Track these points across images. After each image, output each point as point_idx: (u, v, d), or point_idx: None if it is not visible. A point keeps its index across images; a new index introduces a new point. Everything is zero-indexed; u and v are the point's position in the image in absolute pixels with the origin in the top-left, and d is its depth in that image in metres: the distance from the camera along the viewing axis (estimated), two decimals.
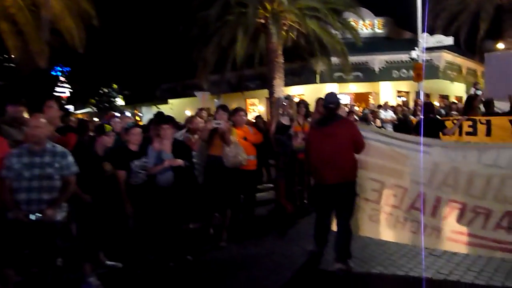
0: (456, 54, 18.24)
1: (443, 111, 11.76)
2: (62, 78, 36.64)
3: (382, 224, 4.26)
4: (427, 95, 16.31)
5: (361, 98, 19.13)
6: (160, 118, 4.83)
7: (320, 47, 14.95)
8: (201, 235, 5.41)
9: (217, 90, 17.09)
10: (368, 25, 19.77)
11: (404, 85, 19.00)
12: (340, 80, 16.85)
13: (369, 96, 19.50)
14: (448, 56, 17.60)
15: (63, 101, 36.07)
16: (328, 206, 4.25)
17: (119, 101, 31.54)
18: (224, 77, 15.48)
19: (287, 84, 19.23)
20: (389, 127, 11.27)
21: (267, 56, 14.50)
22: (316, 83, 17.98)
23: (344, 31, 14.82)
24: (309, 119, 6.87)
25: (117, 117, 5.08)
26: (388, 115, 11.50)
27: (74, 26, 10.30)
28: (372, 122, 9.56)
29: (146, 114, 26.37)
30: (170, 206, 4.25)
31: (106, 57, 30.63)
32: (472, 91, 11.06)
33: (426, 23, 13.63)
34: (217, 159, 4.94)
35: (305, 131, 6.66)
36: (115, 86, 30.86)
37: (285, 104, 6.62)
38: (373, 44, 17.76)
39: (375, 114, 9.81)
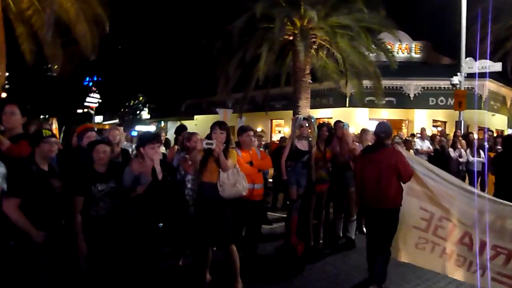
0: (501, 83, 16.78)
1: (486, 144, 10.43)
2: (93, 89, 37.23)
3: (427, 253, 4.38)
4: (466, 126, 14.89)
5: (394, 125, 17.78)
6: (148, 135, 3.93)
7: (351, 68, 13.94)
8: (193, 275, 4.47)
9: (241, 108, 16.37)
10: (404, 48, 18.66)
11: (440, 114, 17.65)
12: (372, 105, 15.72)
13: (403, 124, 18.24)
14: (492, 85, 16.20)
15: (91, 111, 36.58)
16: (373, 228, 4.43)
17: (145, 115, 31.51)
18: (247, 95, 14.67)
19: (315, 106, 18.32)
20: (424, 159, 10.04)
21: (294, 75, 13.64)
22: (345, 106, 16.93)
23: (378, 52, 13.77)
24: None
25: (90, 130, 4.19)
26: (425, 145, 10.30)
27: (87, 31, 9.85)
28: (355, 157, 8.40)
29: (171, 128, 26.01)
30: (140, 244, 3.36)
31: (135, 70, 30.83)
32: None
33: (468, 48, 12.41)
34: (211, 188, 4.01)
35: (328, 159, 5.69)
36: (141, 98, 30.90)
37: (304, 125, 5.68)
38: (409, 69, 16.62)
39: (408, 144, 8.66)
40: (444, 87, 15.52)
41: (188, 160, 4.65)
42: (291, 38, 12.85)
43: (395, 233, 4.30)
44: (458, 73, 11.82)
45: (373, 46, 13.47)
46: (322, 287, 4.48)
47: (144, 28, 25.56)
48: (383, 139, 4.44)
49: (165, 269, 4.77)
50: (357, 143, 6.02)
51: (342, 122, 5.94)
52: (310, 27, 12.66)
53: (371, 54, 14.46)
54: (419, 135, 10.59)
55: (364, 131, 6.90)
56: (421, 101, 16.25)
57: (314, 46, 13.62)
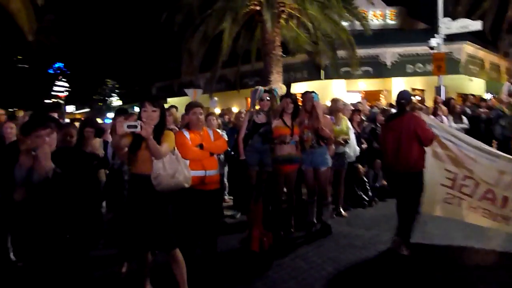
0: (478, 46, 16.23)
1: (468, 110, 9.87)
2: (60, 77, 35.44)
3: (455, 206, 4.72)
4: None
5: (371, 96, 17.22)
6: (34, 119, 3.06)
7: (324, 38, 13.12)
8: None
9: (211, 88, 15.44)
10: (379, 15, 17.87)
11: (418, 82, 17.08)
12: (348, 76, 15.00)
13: (380, 94, 17.62)
14: (470, 49, 15.62)
15: (60, 101, 34.89)
16: (400, 191, 4.59)
17: (115, 101, 30.09)
18: (215, 72, 13.73)
19: (289, 80, 17.54)
20: None
21: (263, 48, 12.75)
22: (320, 79, 16.16)
23: (351, 20, 12.96)
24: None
25: None
26: None
27: (21, 7, 8.65)
28: (380, 125, 7.72)
29: None
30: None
31: (101, 54, 29.22)
32: (506, 87, 9.14)
33: (445, 10, 11.68)
34: (143, 181, 3.21)
35: (295, 135, 4.95)
36: (109, 82, 29.38)
37: (264, 98, 4.89)
38: (385, 36, 15.90)
39: (385, 114, 7.97)
40: (422, 53, 14.85)
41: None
42: (258, 8, 11.90)
43: (420, 194, 4.51)
44: (436, 35, 11.11)
45: (346, 13, 12.66)
46: None
47: (105, 9, 24.03)
48: (403, 105, 4.58)
49: (102, 277, 4.00)
50: (328, 116, 5.27)
51: (311, 93, 5.16)
52: None
53: (344, 23, 13.75)
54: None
55: (334, 101, 6.16)
56: (398, 69, 15.60)
57: (283, 16, 12.73)
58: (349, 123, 6.57)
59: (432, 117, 8.10)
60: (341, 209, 6.26)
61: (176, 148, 3.46)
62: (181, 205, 4.16)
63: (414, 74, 15.68)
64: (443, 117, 9.27)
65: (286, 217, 5.21)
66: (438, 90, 10.92)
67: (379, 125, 7.68)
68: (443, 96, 10.78)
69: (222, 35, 11.85)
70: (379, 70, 15.75)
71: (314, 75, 16.44)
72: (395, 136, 4.43)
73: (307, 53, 14.50)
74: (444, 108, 9.60)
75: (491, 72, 18.21)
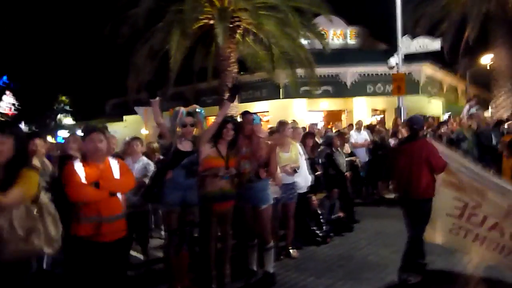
0: (437, 67, 16.21)
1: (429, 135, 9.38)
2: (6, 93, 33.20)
3: (461, 238, 4.58)
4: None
5: (333, 116, 16.80)
6: None
7: (283, 56, 12.52)
8: None
9: (161, 106, 14.38)
10: (339, 34, 17.62)
11: (380, 103, 16.83)
12: (308, 95, 14.45)
13: (342, 114, 17.24)
14: (429, 70, 15.54)
15: (7, 119, 32.48)
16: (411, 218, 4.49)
17: (67, 119, 28.17)
18: (166, 90, 12.79)
19: (248, 99, 16.81)
20: (362, 153, 8.81)
21: (218, 65, 11.98)
22: (279, 98, 15.55)
23: (310, 37, 12.45)
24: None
25: None
26: (361, 137, 9.05)
27: None
28: (338, 149, 7.02)
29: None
30: None
31: (52, 69, 27.52)
32: (466, 109, 8.74)
33: (405, 31, 11.41)
34: None
35: (231, 166, 4.08)
36: (63, 98, 27.54)
37: (187, 124, 4.01)
38: (345, 56, 15.56)
39: (341, 137, 7.30)
40: (382, 73, 14.60)
41: None
42: (212, 22, 11.15)
43: (427, 221, 4.44)
44: (395, 54, 10.73)
45: (304, 30, 12.13)
46: None
47: (55, 22, 22.67)
48: (416, 131, 4.53)
49: None
50: (269, 142, 4.44)
51: (251, 115, 4.31)
52: (231, 8, 11.01)
53: (304, 41, 13.29)
54: (357, 127, 9.32)
55: (281, 124, 5.37)
56: (358, 89, 15.26)
57: (239, 31, 12.05)
58: (300, 149, 5.78)
59: (346, 145, 7.53)
60: (291, 249, 5.39)
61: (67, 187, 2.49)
62: (73, 261, 3.18)
63: (375, 94, 15.38)
64: None
65: (219, 266, 4.26)
66: (398, 111, 10.45)
67: (335, 150, 6.97)
68: (404, 118, 10.31)
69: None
70: (339, 89, 15.35)
71: (273, 94, 15.83)
72: (406, 161, 4.40)
73: (265, 71, 13.84)
74: (403, 130, 9.08)
75: (449, 93, 18.30)
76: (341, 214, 6.63)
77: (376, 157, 8.91)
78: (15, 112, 31.20)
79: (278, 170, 4.94)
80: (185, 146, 3.94)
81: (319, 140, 7.64)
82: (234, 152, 4.20)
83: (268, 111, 17.21)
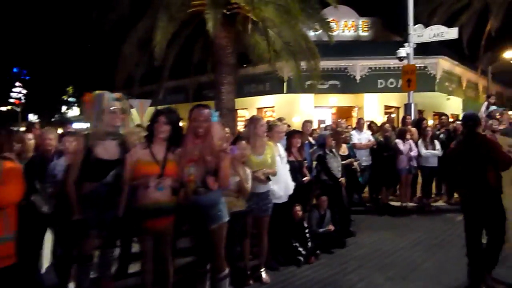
0: (455, 62, 14.94)
1: (442, 136, 8.33)
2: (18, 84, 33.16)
3: None
4: (420, 112, 12.91)
5: (344, 113, 15.76)
6: None
7: (285, 47, 11.56)
8: None
9: (156, 99, 13.75)
10: (350, 26, 16.52)
11: (393, 99, 15.67)
12: (312, 90, 13.44)
13: (352, 111, 16.17)
14: (446, 64, 14.29)
15: (16, 108, 32.40)
16: (474, 221, 4.21)
17: (73, 111, 27.77)
18: (162, 83, 12.06)
19: (250, 93, 15.94)
20: (364, 156, 7.82)
21: (213, 55, 11.08)
22: (283, 92, 14.61)
23: (312, 27, 11.44)
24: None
25: None
26: (365, 137, 8.05)
27: None
28: (332, 151, 6.06)
29: None
30: None
31: (63, 62, 27.14)
32: (484, 106, 7.65)
33: (418, 20, 10.29)
34: None
35: (168, 174, 3.22)
36: (70, 90, 27.12)
37: (114, 111, 3.17)
38: (355, 48, 14.48)
39: (338, 136, 6.34)
40: (395, 67, 13.46)
41: None
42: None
43: (504, 219, 4.07)
44: (406, 44, 9.63)
45: (305, 17, 11.12)
46: None
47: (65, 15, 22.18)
48: (472, 128, 4.27)
49: None
50: (230, 146, 3.54)
51: (205, 108, 3.38)
52: None
53: (312, 32, 12.33)
54: (358, 126, 8.33)
55: (252, 121, 4.48)
56: (368, 84, 14.14)
57: (238, 19, 11.12)
58: (280, 150, 4.88)
59: (344, 146, 6.50)
60: (262, 272, 4.50)
61: None
62: None
63: (387, 90, 14.22)
64: (411, 142, 7.72)
65: None
66: (407, 108, 9.37)
67: (328, 151, 6.02)
68: (414, 116, 9.26)
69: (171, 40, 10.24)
70: (347, 84, 14.27)
71: (277, 88, 14.89)
72: (467, 161, 4.14)
73: (268, 63, 12.90)
74: (413, 129, 8.07)
75: (469, 90, 16.98)
76: (331, 228, 5.69)
77: (381, 159, 7.90)
78: (21, 100, 31.03)
79: (249, 177, 4.06)
80: (109, 151, 3.08)
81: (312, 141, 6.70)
82: (176, 155, 3.32)
83: (274, 106, 16.33)
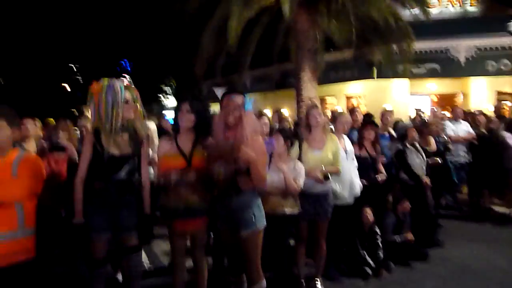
0: None
1: None
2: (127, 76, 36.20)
3: None
4: None
5: (446, 101, 13.95)
6: None
7: (373, 28, 10.46)
8: None
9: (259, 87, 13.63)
10: (456, 1, 14.44)
11: (508, 84, 13.36)
12: (405, 74, 12.06)
13: (455, 98, 14.21)
14: None
15: None
16: None
17: (169, 101, 29.35)
18: (242, 72, 11.86)
19: (337, 79, 14.99)
20: (461, 151, 6.62)
21: (293, 40, 10.51)
22: (372, 78, 13.41)
23: (406, 2, 10.16)
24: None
25: None
26: (461, 129, 6.81)
27: None
28: (414, 146, 5.14)
29: None
30: None
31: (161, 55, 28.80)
32: None
33: None
34: None
35: (194, 168, 2.87)
36: (173, 82, 28.71)
37: (128, 97, 2.90)
38: (459, 25, 12.60)
39: (427, 130, 5.35)
40: (510, 46, 11.41)
41: None
42: None
43: None
44: None
45: None
46: None
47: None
48: None
49: None
50: (266, 138, 3.03)
51: (239, 94, 2.91)
52: None
53: (406, 11, 11.03)
54: (454, 115, 7.08)
55: (308, 108, 3.90)
56: (475, 66, 12.21)
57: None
58: (346, 144, 4.23)
59: (432, 141, 5.33)
60: (317, 282, 3.93)
61: None
62: None
63: (498, 73, 12.13)
64: None
65: None
66: None
67: (408, 146, 5.13)
68: None
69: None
70: (449, 67, 12.51)
71: (366, 74, 13.72)
72: None
73: (353, 47, 11.88)
74: None
75: None
76: (410, 236, 4.83)
77: (482, 155, 6.61)
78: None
79: (300, 174, 3.52)
80: (120, 145, 2.80)
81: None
82: (207, 146, 2.92)
83: (363, 94, 15.18)
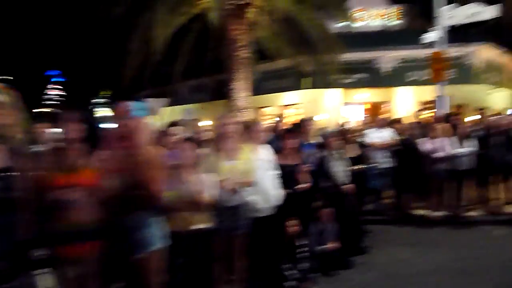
0: (503, 49, 13.31)
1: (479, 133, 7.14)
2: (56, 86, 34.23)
3: None
4: (458, 107, 11.46)
5: (377, 109, 14.52)
6: None
7: (303, 39, 10.67)
8: None
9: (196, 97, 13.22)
10: (380, 15, 15.22)
11: (429, 93, 14.20)
12: (335, 84, 12.44)
13: (382, 107, 14.87)
14: (487, 53, 12.71)
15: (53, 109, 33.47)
16: None
17: (103, 112, 28.09)
18: (173, 82, 11.52)
19: (272, 90, 15.10)
20: (383, 157, 6.80)
21: (226, 48, 10.39)
22: (306, 88, 13.69)
23: (333, 16, 10.51)
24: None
25: None
26: (383, 135, 7.00)
27: None
28: (335, 153, 5.14)
29: None
30: None
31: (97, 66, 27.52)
32: None
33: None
34: None
35: (83, 185, 2.51)
36: (110, 92, 27.50)
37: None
38: (382, 38, 13.28)
39: (344, 136, 5.40)
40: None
41: None
42: None
43: None
44: (434, 28, 8.41)
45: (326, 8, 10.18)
46: None
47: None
48: None
49: None
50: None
51: (125, 102, 2.64)
52: None
53: (337, 24, 11.45)
54: (377, 124, 7.30)
55: (220, 118, 3.71)
56: (399, 77, 12.89)
57: (250, 10, 10.33)
58: (264, 153, 4.07)
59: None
60: None
61: None
62: None
63: (418, 83, 12.88)
64: (441, 140, 6.63)
65: None
66: (438, 102, 8.18)
67: (330, 154, 5.12)
68: (446, 110, 8.08)
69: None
70: (376, 78, 13.08)
71: (299, 84, 13.95)
72: None
73: (285, 57, 12.04)
74: (441, 126, 6.93)
75: None
76: (333, 245, 4.78)
77: (404, 161, 6.83)
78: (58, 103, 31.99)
79: (209, 186, 3.30)
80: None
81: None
82: (98, 160, 2.60)
83: (299, 104, 15.35)
